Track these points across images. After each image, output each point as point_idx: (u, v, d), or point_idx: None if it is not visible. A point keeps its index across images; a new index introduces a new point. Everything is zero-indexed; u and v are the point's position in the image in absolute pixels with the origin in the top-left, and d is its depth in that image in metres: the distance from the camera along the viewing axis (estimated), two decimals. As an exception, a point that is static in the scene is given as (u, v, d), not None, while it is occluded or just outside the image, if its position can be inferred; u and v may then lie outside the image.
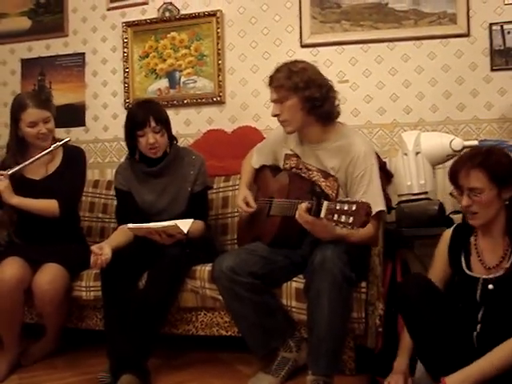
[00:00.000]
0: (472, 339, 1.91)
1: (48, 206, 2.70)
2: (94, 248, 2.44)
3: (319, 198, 2.09)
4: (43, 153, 2.71)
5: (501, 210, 1.90)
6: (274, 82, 2.38)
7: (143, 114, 2.62)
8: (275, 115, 2.41)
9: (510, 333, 1.82)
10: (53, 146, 2.73)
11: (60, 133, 2.84)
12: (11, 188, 2.64)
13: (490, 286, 1.89)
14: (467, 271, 1.97)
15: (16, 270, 2.53)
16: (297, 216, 2.14)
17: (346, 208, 1.92)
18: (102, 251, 2.42)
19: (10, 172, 2.65)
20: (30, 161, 2.69)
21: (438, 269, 2.10)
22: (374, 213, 2.11)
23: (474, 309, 1.92)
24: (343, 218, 1.92)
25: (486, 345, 1.83)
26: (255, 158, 2.77)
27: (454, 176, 1.92)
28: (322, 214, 2.01)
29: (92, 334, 2.79)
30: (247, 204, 2.62)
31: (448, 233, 2.10)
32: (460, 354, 1.85)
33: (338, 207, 1.95)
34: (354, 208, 1.90)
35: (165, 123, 2.67)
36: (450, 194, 2.05)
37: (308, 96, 2.31)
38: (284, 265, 2.46)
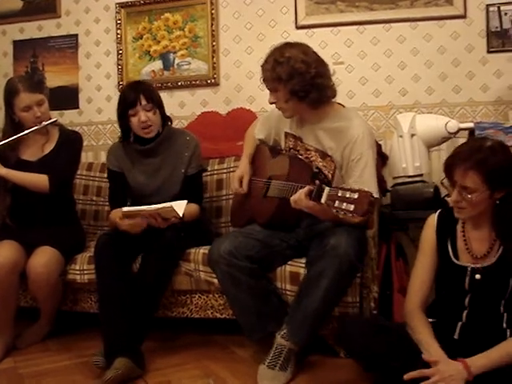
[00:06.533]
0: (454, 331, 1.91)
1: (38, 180, 2.68)
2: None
3: (320, 183, 2.07)
4: (31, 129, 2.68)
5: (488, 207, 1.85)
6: (262, 72, 2.39)
7: (134, 94, 2.62)
8: (272, 103, 2.42)
9: (496, 318, 1.85)
10: (39, 126, 2.70)
11: (53, 115, 2.81)
12: None
13: (477, 276, 1.88)
14: (454, 260, 1.95)
15: (10, 253, 2.53)
16: (296, 198, 2.12)
17: (347, 196, 1.89)
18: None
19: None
20: (16, 136, 2.66)
21: (426, 258, 2.03)
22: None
23: (461, 296, 1.92)
24: (344, 205, 1.89)
25: (471, 334, 1.87)
26: (259, 127, 2.74)
27: (449, 169, 1.85)
28: (323, 200, 1.97)
29: (86, 317, 2.79)
30: (241, 184, 2.62)
31: (433, 219, 2.04)
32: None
33: (339, 194, 1.91)
34: (355, 196, 1.87)
35: (156, 102, 2.66)
36: (441, 183, 2.01)
37: (291, 89, 2.30)
38: (281, 249, 2.47)
